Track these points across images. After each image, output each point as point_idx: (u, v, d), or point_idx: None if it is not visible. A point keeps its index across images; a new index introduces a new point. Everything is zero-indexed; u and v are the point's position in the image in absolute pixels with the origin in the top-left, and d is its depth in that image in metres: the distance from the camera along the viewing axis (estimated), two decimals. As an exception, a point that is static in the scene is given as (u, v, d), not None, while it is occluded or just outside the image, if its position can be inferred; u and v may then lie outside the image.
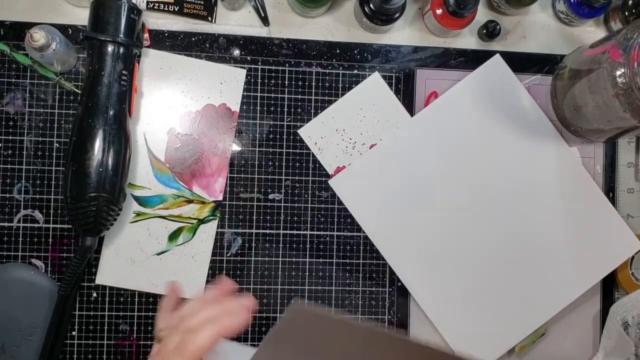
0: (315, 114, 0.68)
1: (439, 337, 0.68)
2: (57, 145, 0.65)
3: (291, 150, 0.68)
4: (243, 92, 0.68)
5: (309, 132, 0.69)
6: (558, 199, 0.69)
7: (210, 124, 0.67)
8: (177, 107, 0.67)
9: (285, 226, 0.68)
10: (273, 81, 0.68)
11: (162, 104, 0.67)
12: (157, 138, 0.67)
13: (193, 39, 0.67)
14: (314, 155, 0.68)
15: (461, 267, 0.68)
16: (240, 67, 0.68)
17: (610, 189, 0.72)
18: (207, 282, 0.67)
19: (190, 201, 0.67)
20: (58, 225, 0.65)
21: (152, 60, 0.66)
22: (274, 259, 0.68)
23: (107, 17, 0.60)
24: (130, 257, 0.66)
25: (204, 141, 0.67)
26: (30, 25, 0.61)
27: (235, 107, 0.68)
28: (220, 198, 0.67)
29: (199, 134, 0.67)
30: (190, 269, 0.67)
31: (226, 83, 0.67)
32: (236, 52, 0.67)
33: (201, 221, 0.67)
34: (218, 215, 0.67)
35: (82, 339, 0.65)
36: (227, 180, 0.67)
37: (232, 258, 0.67)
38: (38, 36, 0.58)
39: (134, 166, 0.65)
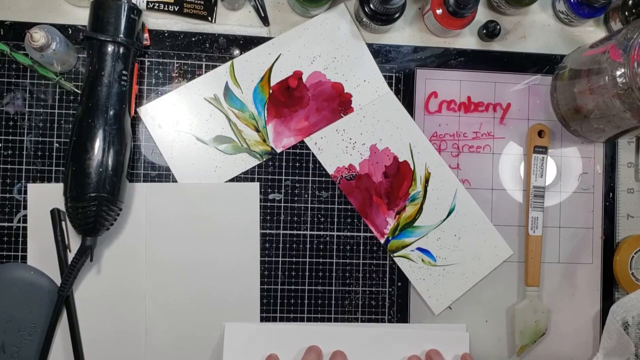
0: (315, 114, 0.69)
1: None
2: (57, 145, 0.65)
3: (291, 150, 0.68)
4: (243, 92, 0.68)
5: (309, 132, 0.69)
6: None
7: (210, 124, 0.68)
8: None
9: (285, 226, 0.68)
10: (273, 81, 0.68)
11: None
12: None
13: (193, 39, 0.67)
14: (314, 155, 0.68)
15: None
16: (240, 67, 0.68)
17: (610, 189, 0.72)
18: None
19: (190, 201, 0.67)
20: (58, 225, 0.65)
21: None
22: (274, 259, 0.68)
23: (107, 17, 0.60)
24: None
25: (204, 141, 0.67)
26: (30, 25, 0.61)
27: (235, 107, 0.68)
28: (220, 198, 0.67)
29: (199, 134, 0.67)
30: (190, 269, 0.67)
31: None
32: (236, 52, 0.68)
33: (201, 221, 0.67)
34: (218, 215, 0.67)
35: (82, 339, 0.65)
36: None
37: (232, 258, 0.67)
38: (38, 36, 0.58)
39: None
